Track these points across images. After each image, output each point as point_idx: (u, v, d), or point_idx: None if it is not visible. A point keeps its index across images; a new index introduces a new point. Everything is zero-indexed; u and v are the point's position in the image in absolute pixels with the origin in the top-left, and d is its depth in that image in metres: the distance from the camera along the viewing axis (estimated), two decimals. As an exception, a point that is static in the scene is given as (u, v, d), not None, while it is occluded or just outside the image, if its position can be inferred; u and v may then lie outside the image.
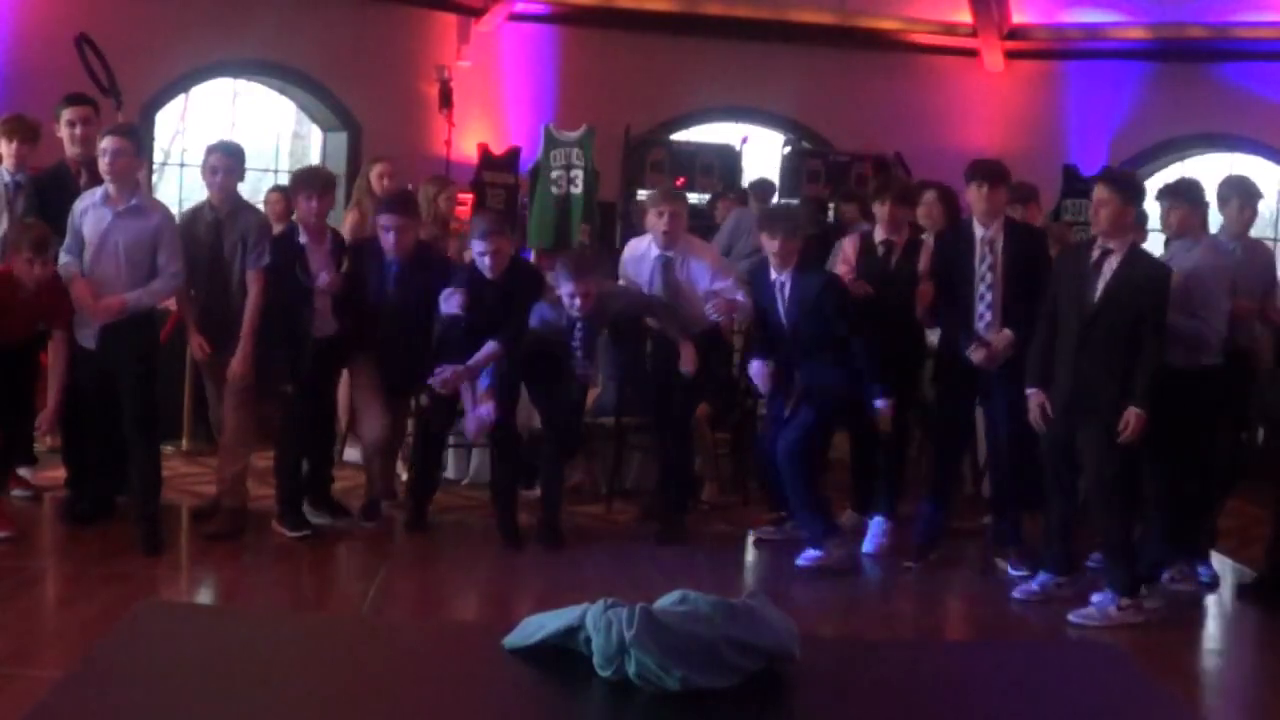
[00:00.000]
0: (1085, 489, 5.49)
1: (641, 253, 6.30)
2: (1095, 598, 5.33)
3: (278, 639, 1.82)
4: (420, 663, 1.69)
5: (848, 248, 6.48)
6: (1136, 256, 5.32)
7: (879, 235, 6.33)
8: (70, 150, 5.98)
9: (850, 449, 6.63)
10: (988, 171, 5.85)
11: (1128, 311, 5.17)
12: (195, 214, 5.94)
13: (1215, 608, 5.74)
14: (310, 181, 6.01)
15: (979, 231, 5.79)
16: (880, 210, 6.32)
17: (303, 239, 5.83)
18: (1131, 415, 5.11)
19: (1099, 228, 5.29)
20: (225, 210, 5.78)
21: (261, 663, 1.65)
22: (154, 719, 1.19)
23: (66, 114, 5.99)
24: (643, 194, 10.69)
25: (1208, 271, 5.45)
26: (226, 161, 5.80)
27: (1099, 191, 5.29)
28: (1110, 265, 5.23)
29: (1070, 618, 5.25)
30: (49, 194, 5.84)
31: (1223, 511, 6.17)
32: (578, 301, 5.77)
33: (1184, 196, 5.62)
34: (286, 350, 5.80)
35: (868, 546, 6.13)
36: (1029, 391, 5.42)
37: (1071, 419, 5.28)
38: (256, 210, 6.34)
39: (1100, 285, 5.22)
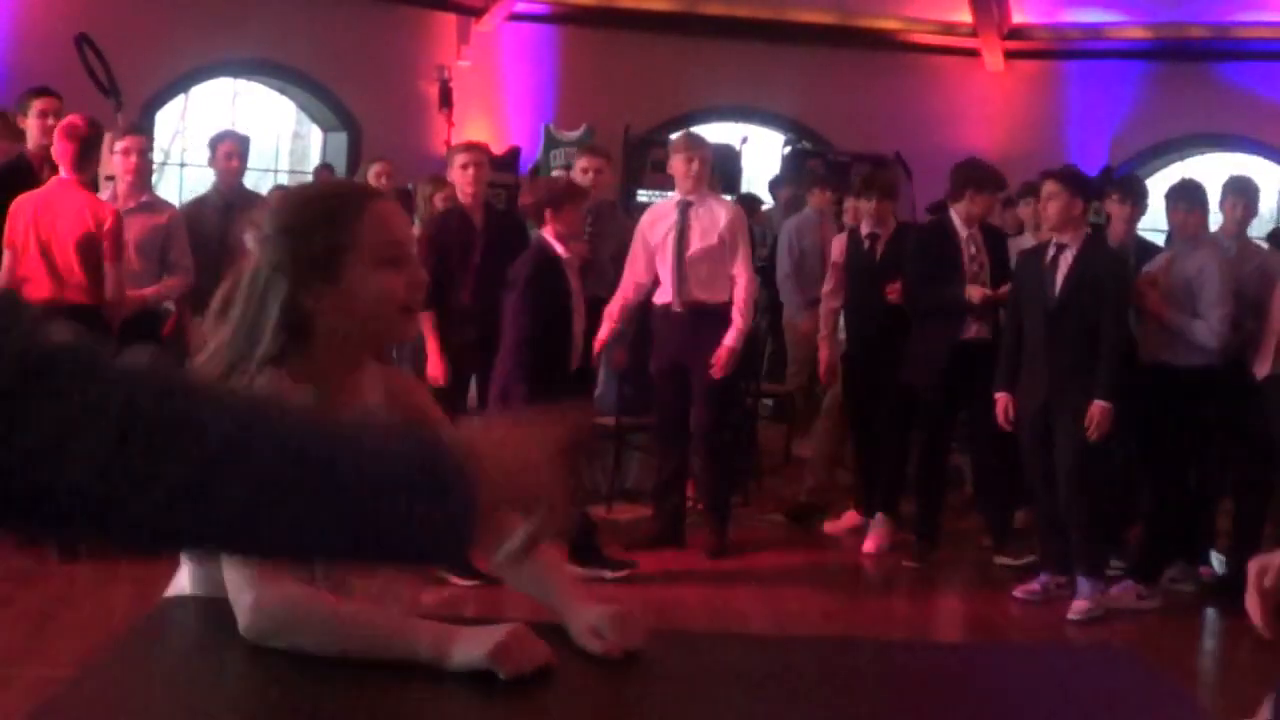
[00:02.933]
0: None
1: (662, 211, 6.17)
2: (1080, 591, 5.36)
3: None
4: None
5: (835, 248, 6.61)
6: (1094, 248, 5.38)
7: (864, 229, 6.40)
8: (40, 141, 5.91)
9: (853, 448, 6.63)
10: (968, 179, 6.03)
11: (1091, 303, 5.23)
12: (201, 203, 6.02)
13: (1215, 608, 5.74)
14: (572, 196, 5.51)
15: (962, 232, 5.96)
16: (866, 205, 6.39)
17: (560, 251, 5.32)
18: (1096, 410, 5.13)
19: (1049, 223, 5.39)
20: (234, 197, 5.85)
21: (290, 658, 1.65)
22: (178, 711, 1.20)
23: (39, 104, 5.94)
24: (643, 194, 10.70)
25: (1213, 272, 5.46)
26: (240, 148, 5.90)
27: (1046, 187, 5.39)
28: (1066, 260, 5.29)
29: (1069, 616, 5.26)
30: (9, 185, 5.71)
31: (1222, 511, 6.17)
32: (590, 175, 6.01)
33: (1185, 197, 5.65)
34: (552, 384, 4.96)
35: (868, 546, 6.13)
36: (996, 395, 5.46)
37: (1049, 415, 5.31)
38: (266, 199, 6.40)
39: (1059, 281, 5.27)
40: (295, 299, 1.76)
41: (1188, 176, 6.23)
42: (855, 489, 6.62)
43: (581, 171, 6.23)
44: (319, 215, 1.81)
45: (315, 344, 1.78)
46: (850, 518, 6.46)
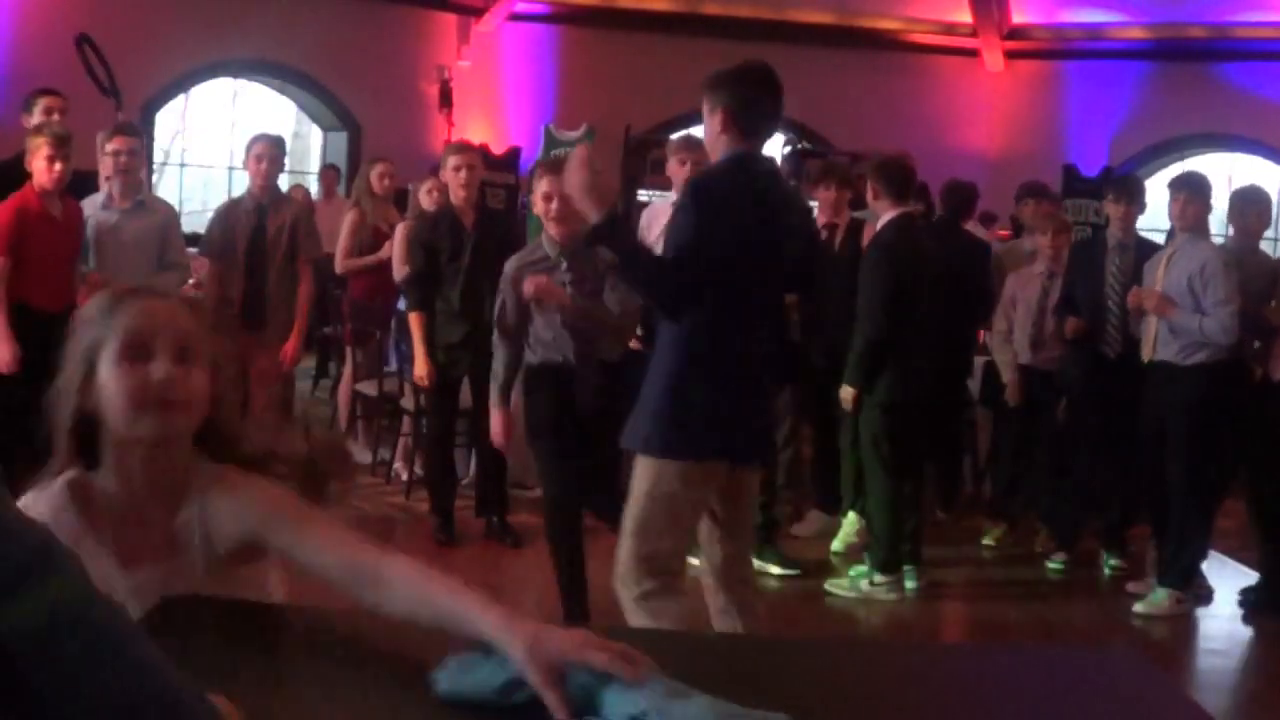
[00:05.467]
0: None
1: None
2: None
3: (305, 633, 1.82)
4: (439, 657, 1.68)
5: None
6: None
7: (821, 219, 6.37)
8: None
9: (813, 446, 6.57)
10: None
11: None
12: (234, 205, 6.07)
13: (1215, 607, 5.74)
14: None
15: None
16: (824, 195, 6.37)
17: None
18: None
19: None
20: (267, 199, 5.88)
21: (287, 657, 1.65)
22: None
23: (44, 102, 5.98)
24: (644, 194, 10.70)
25: (1218, 268, 5.35)
26: (272, 150, 5.92)
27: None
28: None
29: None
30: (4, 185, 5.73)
31: (1221, 512, 6.17)
32: (553, 206, 4.62)
33: (1186, 187, 5.52)
34: None
35: (837, 545, 6.10)
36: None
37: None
38: (298, 201, 6.44)
39: None
40: (83, 394, 1.73)
41: (1192, 169, 6.13)
42: (817, 488, 6.55)
43: (454, 170, 5.74)
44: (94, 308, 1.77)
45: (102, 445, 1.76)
46: (814, 518, 6.45)
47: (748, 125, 3.56)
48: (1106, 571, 5.98)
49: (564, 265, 4.61)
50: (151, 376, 1.69)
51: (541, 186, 4.66)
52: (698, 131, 9.17)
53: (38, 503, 1.76)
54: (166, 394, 1.70)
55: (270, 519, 1.75)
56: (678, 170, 6.09)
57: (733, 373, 3.49)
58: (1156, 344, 5.44)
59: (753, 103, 3.58)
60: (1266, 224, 5.79)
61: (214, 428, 1.81)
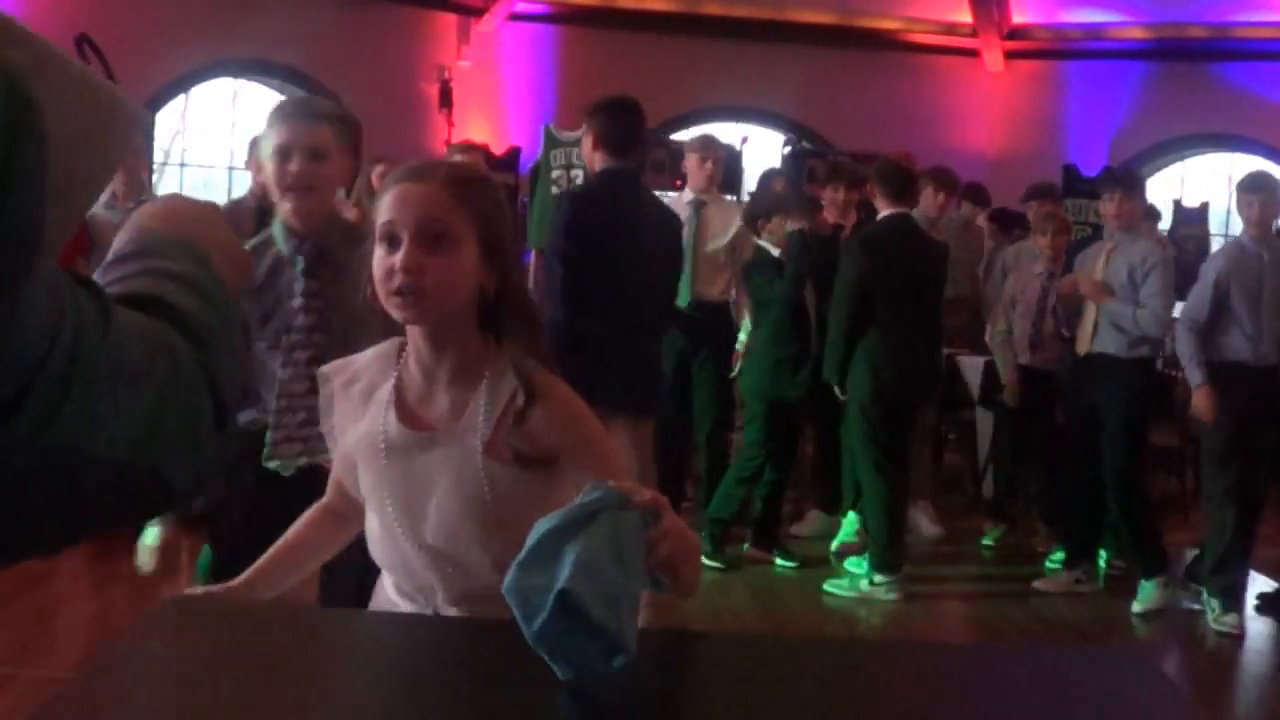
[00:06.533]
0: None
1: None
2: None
3: (311, 634, 1.82)
4: (447, 657, 1.68)
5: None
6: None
7: (829, 220, 6.39)
8: None
9: (814, 445, 6.58)
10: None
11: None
12: (236, 206, 6.07)
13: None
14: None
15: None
16: (834, 195, 6.37)
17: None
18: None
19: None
20: (270, 201, 5.88)
21: (293, 658, 1.65)
22: (177, 711, 1.20)
23: None
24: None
25: (1156, 262, 5.41)
26: None
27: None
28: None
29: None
30: None
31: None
32: (292, 167, 3.04)
33: (1120, 185, 5.58)
34: None
35: (835, 545, 6.11)
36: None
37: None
38: None
39: None
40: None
41: (1127, 166, 6.16)
42: (817, 488, 6.56)
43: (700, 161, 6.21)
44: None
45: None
46: (814, 518, 6.45)
47: (612, 146, 4.46)
48: (1103, 568, 5.98)
49: (300, 265, 3.15)
50: (396, 264, 1.75)
51: (275, 137, 3.08)
52: (699, 131, 9.25)
53: (375, 352, 1.93)
54: (407, 281, 1.74)
55: (580, 449, 1.85)
56: (698, 169, 6.14)
57: (605, 347, 4.08)
58: (1096, 337, 5.49)
59: (615, 127, 4.55)
60: (1274, 213, 5.67)
61: (489, 307, 1.83)
